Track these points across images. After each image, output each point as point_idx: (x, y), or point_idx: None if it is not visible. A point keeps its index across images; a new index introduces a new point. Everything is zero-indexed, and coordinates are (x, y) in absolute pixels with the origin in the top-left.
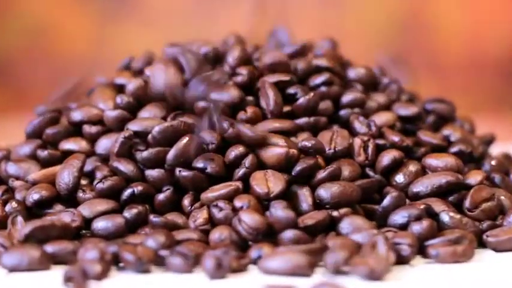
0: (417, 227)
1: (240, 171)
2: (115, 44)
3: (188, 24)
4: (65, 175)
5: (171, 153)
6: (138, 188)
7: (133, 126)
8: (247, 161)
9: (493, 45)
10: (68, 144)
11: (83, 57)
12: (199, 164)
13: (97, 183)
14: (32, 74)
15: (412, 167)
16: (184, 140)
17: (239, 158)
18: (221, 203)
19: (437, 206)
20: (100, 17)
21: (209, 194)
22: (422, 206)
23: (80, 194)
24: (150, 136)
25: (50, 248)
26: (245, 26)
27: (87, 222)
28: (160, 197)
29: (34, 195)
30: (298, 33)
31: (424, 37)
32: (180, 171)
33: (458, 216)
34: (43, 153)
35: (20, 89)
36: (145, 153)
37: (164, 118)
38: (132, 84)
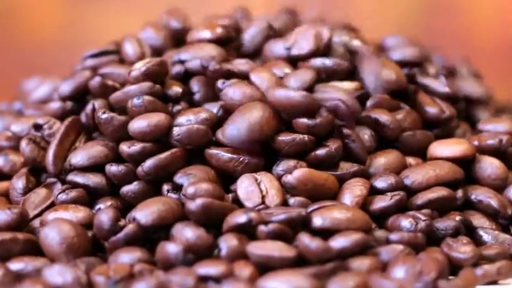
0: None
1: None
2: (90, 26)
3: (172, 3)
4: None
5: (150, 162)
6: (106, 204)
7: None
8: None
9: None
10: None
11: (53, 41)
12: (178, 178)
13: (59, 193)
14: None
15: None
16: (168, 152)
17: None
18: None
19: (476, 219)
20: None
21: None
22: (458, 218)
23: None
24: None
25: (14, 265)
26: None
27: None
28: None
29: None
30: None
31: (453, 20)
32: (168, 190)
33: (495, 232)
34: None
35: None
36: (113, 168)
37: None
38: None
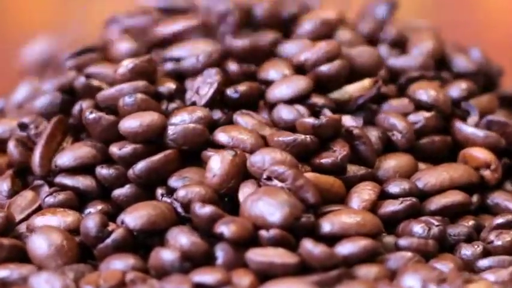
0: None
1: None
2: (85, 25)
3: None
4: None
5: (142, 165)
6: (96, 208)
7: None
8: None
9: None
10: None
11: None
12: (173, 182)
13: (46, 196)
14: None
15: None
16: (161, 154)
17: None
18: None
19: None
20: None
21: None
22: (471, 223)
23: None
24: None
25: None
26: None
27: None
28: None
29: None
30: None
31: (466, 12)
32: (162, 194)
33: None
34: None
35: None
36: (104, 171)
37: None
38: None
